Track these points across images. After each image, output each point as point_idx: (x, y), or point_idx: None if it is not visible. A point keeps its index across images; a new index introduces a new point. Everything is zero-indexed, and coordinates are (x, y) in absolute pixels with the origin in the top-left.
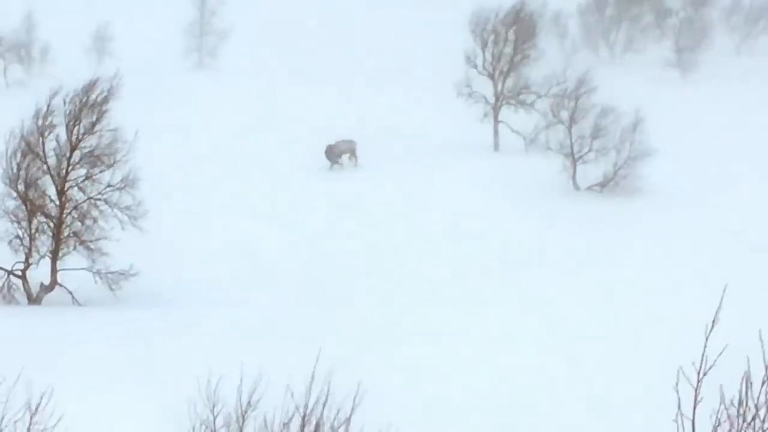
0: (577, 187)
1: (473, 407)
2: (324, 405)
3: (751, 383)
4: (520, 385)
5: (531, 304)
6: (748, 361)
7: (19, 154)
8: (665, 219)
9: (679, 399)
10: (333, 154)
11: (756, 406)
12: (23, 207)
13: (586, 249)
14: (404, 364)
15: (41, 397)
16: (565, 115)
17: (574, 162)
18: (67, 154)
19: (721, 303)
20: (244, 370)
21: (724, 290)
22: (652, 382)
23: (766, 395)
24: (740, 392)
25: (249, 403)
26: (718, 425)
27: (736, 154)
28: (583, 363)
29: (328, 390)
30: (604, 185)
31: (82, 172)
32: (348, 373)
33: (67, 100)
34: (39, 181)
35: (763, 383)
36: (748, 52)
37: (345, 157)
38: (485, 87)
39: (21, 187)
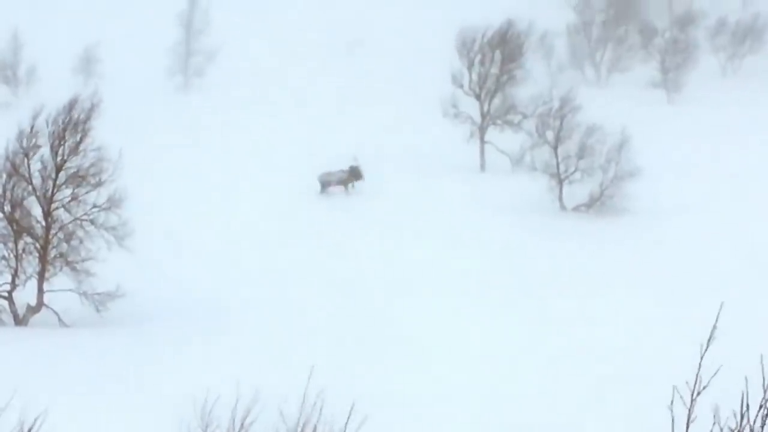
0: (563, 208)
1: (467, 426)
2: (315, 426)
3: (747, 405)
4: (511, 404)
5: (519, 325)
6: (746, 380)
7: (4, 176)
8: (652, 238)
9: (672, 419)
10: (325, 182)
11: (752, 429)
12: (9, 228)
13: (573, 269)
14: (399, 385)
15: (34, 421)
16: (550, 135)
17: (560, 182)
18: (53, 175)
19: (716, 322)
20: (233, 390)
21: (720, 308)
22: (641, 402)
23: (762, 418)
24: (735, 414)
25: (242, 425)
26: None
27: (721, 173)
28: (571, 382)
29: (321, 409)
30: (591, 205)
31: (68, 192)
32: (341, 392)
33: (50, 120)
34: (25, 202)
35: (761, 407)
36: (734, 72)
37: (339, 188)
38: (472, 107)
39: (7, 208)
